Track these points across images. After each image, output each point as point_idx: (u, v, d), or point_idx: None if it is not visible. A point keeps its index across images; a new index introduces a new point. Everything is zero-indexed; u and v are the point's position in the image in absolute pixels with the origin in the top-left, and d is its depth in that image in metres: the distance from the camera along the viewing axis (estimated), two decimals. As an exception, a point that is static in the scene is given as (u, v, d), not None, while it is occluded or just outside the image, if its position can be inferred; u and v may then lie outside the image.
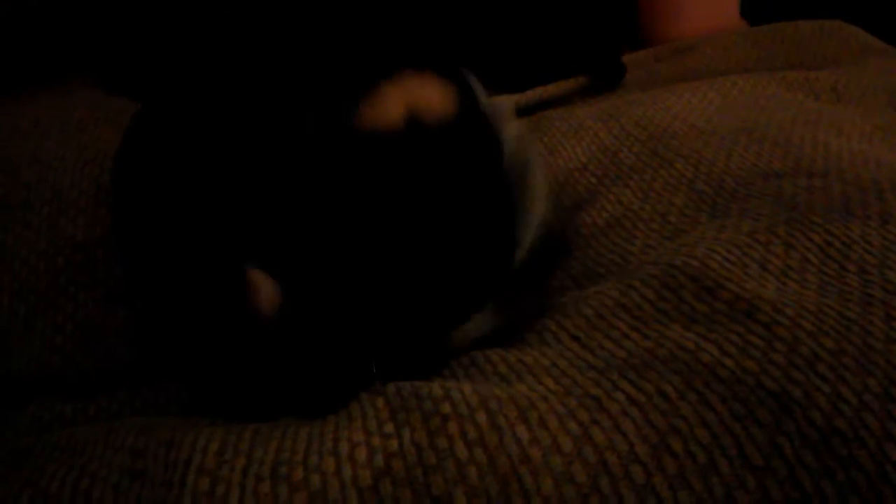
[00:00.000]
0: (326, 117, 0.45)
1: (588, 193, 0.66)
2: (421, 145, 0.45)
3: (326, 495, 0.38)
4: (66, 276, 0.62)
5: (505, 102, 0.56)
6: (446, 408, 0.41)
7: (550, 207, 0.53)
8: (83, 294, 0.61)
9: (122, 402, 0.56)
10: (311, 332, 0.46)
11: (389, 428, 0.41)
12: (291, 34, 0.79)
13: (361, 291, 0.46)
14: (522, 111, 0.85)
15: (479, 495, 0.37)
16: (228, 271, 0.45)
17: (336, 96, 0.46)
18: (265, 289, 0.45)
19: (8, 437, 0.54)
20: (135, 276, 0.52)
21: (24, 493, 0.43)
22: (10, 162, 0.70)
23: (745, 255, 0.49)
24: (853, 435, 0.38)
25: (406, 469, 0.39)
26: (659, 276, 0.48)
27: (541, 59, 0.96)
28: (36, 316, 0.60)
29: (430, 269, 0.46)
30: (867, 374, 0.40)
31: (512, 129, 0.52)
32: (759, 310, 0.44)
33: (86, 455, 0.45)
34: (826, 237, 0.50)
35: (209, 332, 0.47)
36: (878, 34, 1.10)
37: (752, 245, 0.50)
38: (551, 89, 0.89)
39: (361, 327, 0.46)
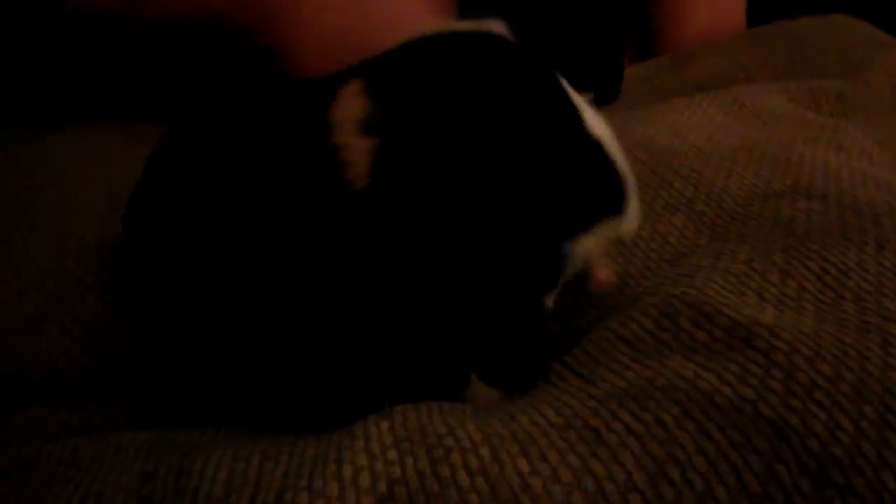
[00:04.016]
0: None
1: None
2: None
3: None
4: (74, 278, 0.61)
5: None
6: (450, 441, 0.41)
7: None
8: (92, 296, 0.60)
9: (129, 412, 0.56)
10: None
11: (393, 455, 0.41)
12: None
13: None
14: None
15: (481, 521, 0.38)
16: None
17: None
18: None
19: (8, 441, 0.54)
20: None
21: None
22: (26, 160, 0.70)
23: (743, 285, 0.49)
24: (850, 463, 0.38)
25: (408, 495, 0.39)
26: (658, 305, 0.49)
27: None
28: (43, 317, 0.60)
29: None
30: (864, 401, 0.40)
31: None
32: (757, 336, 0.44)
33: (91, 474, 0.46)
34: (823, 265, 0.51)
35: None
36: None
37: (749, 274, 0.50)
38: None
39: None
